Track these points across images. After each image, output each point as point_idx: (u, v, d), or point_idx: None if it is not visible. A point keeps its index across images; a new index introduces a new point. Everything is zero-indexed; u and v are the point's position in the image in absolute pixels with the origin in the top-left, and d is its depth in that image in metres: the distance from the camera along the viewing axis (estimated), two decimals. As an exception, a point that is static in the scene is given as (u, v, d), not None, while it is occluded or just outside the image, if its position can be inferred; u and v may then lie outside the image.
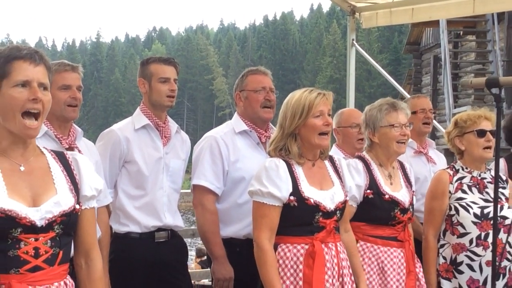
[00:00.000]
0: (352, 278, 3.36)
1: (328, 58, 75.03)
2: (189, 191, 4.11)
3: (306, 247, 3.22)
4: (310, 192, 3.24)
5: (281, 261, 3.22)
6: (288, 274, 3.21)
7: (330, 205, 3.27)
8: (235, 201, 3.93)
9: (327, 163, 3.44)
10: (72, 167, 2.46)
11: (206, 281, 7.87)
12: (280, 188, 3.19)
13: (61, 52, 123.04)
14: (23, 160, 2.35)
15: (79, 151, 3.50)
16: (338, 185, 3.38)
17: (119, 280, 3.85)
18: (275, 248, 3.24)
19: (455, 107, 15.76)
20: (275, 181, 3.19)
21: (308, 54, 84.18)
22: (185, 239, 4.39)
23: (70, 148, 3.47)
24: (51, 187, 2.37)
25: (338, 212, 3.31)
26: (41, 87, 2.31)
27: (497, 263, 3.71)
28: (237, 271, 3.86)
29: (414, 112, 4.71)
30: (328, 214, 3.25)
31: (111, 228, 3.94)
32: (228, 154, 3.95)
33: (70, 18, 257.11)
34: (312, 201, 3.21)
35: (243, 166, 3.91)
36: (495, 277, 3.09)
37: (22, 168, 2.33)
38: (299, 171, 3.28)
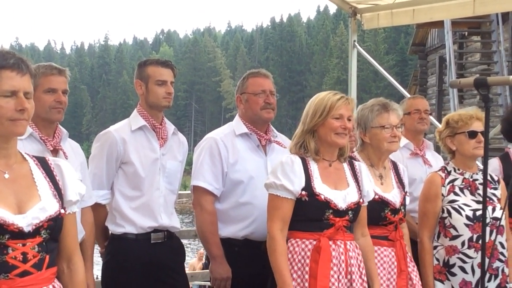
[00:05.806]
0: (363, 277, 3.40)
1: (335, 60, 74.97)
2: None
3: (314, 242, 3.31)
4: (322, 189, 3.34)
5: (289, 256, 3.32)
6: (296, 268, 3.30)
7: (341, 204, 3.35)
8: (234, 202, 3.95)
9: (345, 165, 3.51)
10: (54, 173, 2.49)
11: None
12: (292, 182, 3.31)
13: (69, 55, 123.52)
14: (7, 167, 2.36)
15: (64, 153, 3.52)
16: (353, 187, 3.45)
17: (115, 281, 3.88)
18: (286, 243, 3.33)
19: (460, 108, 15.74)
20: (289, 175, 3.32)
21: (315, 55, 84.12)
22: (188, 240, 4.40)
23: (55, 150, 3.49)
24: (35, 194, 2.39)
25: (350, 212, 3.38)
26: (26, 96, 2.33)
27: (490, 264, 3.75)
28: (235, 271, 3.89)
29: (408, 113, 4.74)
30: (339, 213, 3.34)
31: (107, 229, 3.96)
32: (228, 155, 3.96)
33: (78, 21, 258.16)
34: (322, 197, 3.32)
35: (242, 168, 3.93)
36: (484, 275, 3.10)
37: (6, 176, 2.35)
38: (314, 168, 3.39)
